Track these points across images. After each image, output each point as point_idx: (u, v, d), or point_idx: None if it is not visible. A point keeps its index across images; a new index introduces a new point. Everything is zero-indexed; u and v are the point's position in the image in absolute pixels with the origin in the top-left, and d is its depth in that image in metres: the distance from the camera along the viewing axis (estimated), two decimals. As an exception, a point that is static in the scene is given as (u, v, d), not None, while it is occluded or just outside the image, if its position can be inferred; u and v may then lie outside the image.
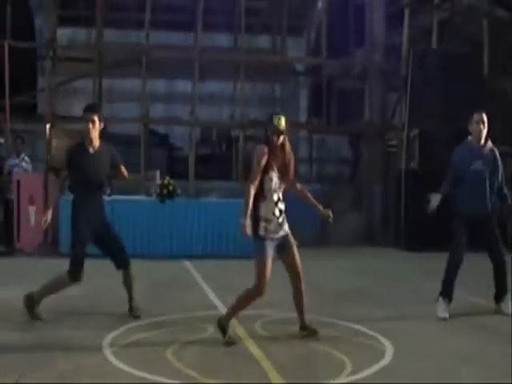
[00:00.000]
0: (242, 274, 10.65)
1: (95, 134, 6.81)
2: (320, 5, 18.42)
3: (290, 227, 6.10)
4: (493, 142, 7.75)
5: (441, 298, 7.43)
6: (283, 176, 6.04)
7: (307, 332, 6.15)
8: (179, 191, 12.65)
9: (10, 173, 12.99)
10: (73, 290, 8.26)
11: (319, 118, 17.31)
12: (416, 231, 14.77)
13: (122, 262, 7.05)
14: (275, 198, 5.98)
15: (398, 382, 4.97)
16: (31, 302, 6.88)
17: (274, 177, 5.96)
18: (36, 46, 18.43)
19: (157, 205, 12.31)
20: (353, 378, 4.98)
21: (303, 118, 19.70)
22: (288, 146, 6.11)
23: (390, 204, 16.27)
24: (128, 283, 7.12)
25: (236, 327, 6.62)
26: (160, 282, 9.21)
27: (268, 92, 19.15)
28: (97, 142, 6.87)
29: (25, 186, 12.77)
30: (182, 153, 18.25)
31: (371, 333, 6.24)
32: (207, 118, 18.04)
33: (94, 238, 6.84)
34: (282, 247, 6.06)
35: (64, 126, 16.89)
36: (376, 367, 5.25)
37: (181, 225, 12.47)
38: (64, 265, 6.63)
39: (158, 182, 11.75)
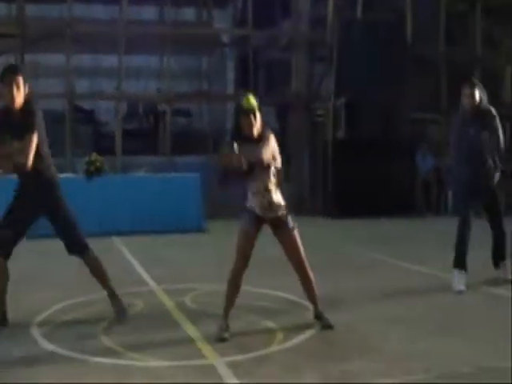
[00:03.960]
0: (171, 248, 10.73)
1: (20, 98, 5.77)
2: (245, -25, 18.34)
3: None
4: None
5: (456, 271, 7.05)
6: (258, 165, 5.50)
7: (321, 322, 5.61)
8: (106, 167, 12.52)
9: None
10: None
11: (246, 90, 17.29)
12: (343, 200, 15.07)
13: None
14: (256, 188, 5.46)
15: (327, 348, 5.08)
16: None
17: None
18: (-46, 22, 17.86)
19: (84, 182, 12.14)
20: (282, 347, 5.05)
21: (230, 89, 19.67)
22: (261, 131, 5.71)
23: (317, 173, 16.47)
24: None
25: (166, 301, 6.64)
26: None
27: (195, 65, 19.05)
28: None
29: None
30: (108, 128, 18.01)
31: (301, 301, 6.30)
32: (134, 92, 17.86)
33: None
34: (277, 228, 5.65)
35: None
36: (306, 335, 5.34)
37: (109, 201, 12.29)
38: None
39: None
